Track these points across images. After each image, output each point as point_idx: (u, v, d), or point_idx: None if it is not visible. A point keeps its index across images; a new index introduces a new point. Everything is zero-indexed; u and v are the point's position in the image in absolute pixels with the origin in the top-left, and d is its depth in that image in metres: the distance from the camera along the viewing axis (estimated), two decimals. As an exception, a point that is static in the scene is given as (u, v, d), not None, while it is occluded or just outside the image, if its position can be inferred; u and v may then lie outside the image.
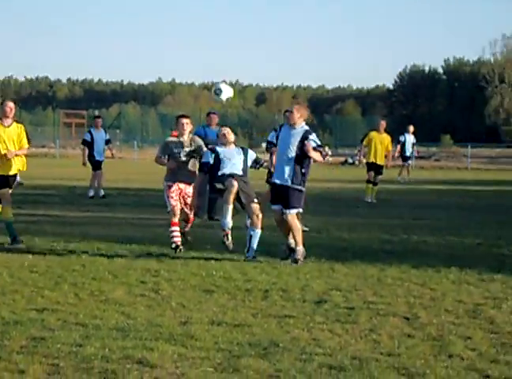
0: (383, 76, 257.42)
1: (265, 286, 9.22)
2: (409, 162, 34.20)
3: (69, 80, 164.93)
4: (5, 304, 8.08)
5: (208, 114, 17.00)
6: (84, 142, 22.16)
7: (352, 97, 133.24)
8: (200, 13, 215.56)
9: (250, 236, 10.98)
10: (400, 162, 33.32)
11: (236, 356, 6.30)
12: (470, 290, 9.19)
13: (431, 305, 8.35)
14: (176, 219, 11.63)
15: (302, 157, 10.57)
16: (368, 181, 21.43)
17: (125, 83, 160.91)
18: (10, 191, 12.31)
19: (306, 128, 10.67)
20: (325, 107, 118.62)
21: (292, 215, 10.67)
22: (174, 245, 11.46)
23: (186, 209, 11.87)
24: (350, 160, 53.81)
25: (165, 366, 6.01)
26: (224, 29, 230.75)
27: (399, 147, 31.24)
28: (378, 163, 21.39)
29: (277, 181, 10.72)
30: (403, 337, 7.02)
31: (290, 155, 10.54)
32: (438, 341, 6.90)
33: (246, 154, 11.39)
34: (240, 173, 11.11)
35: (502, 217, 18.12)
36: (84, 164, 22.10)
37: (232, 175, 10.99)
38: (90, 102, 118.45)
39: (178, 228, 11.60)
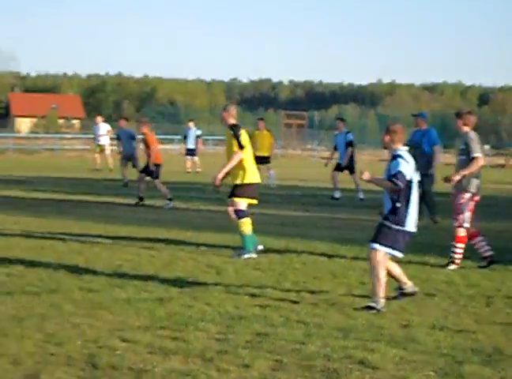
0: None
1: (488, 292, 8.98)
2: None
3: (291, 81, 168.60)
4: (230, 299, 8.36)
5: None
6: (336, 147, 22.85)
7: None
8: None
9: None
10: None
11: (459, 362, 6.19)
12: None
13: None
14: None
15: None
16: None
17: (345, 84, 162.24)
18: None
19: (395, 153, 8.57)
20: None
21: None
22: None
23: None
24: None
25: (387, 368, 6.00)
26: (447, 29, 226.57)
27: None
28: None
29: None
30: None
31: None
32: None
33: None
34: None
35: None
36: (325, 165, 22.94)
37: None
38: (310, 103, 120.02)
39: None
